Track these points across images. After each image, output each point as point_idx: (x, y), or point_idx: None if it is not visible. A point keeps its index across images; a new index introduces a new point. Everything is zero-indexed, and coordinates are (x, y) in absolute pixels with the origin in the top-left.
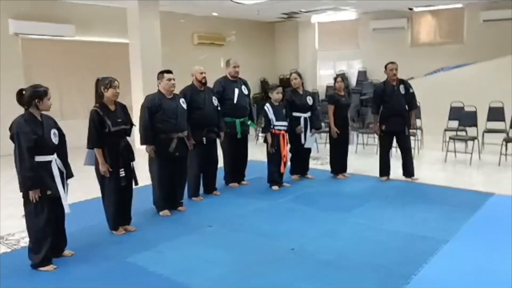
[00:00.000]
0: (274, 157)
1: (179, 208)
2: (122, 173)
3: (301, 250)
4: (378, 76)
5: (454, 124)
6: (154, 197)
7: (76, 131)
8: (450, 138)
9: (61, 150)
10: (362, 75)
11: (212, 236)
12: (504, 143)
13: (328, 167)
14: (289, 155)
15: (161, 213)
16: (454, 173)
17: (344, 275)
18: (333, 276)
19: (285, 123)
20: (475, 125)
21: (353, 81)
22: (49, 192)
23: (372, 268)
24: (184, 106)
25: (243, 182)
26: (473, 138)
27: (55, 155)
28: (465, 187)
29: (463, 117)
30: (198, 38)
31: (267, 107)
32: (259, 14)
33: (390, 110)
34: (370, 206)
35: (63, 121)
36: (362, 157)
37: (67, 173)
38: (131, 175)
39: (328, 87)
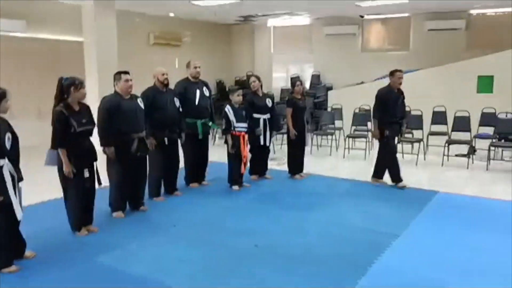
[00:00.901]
0: (234, 158)
1: (141, 208)
2: (86, 173)
3: (267, 246)
4: (331, 79)
5: None
6: (110, 198)
7: (26, 130)
8: (399, 140)
9: (13, 154)
10: (316, 78)
11: (178, 235)
12: (446, 145)
13: (285, 168)
14: (249, 155)
15: (114, 214)
16: (402, 172)
17: (310, 268)
18: (300, 269)
19: (245, 125)
20: (421, 128)
21: (307, 84)
22: (1, 198)
23: (335, 260)
24: (142, 106)
25: (203, 183)
26: (419, 140)
27: (6, 160)
28: (413, 186)
29: (410, 120)
30: (154, 38)
31: (228, 109)
32: (216, 16)
33: (393, 117)
34: (329, 203)
35: (12, 120)
36: (317, 158)
37: (18, 177)
38: (94, 175)
39: (283, 90)
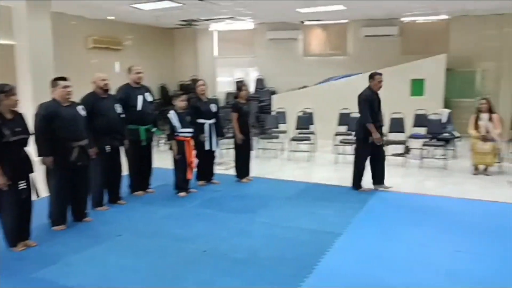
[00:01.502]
0: (180, 164)
1: (85, 219)
2: (22, 185)
3: (214, 251)
4: (275, 83)
5: (343, 129)
6: (49, 210)
7: None
8: (340, 141)
9: None
10: (260, 82)
11: (123, 245)
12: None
13: (232, 172)
14: (196, 161)
15: (55, 228)
16: (344, 173)
17: (256, 271)
18: (247, 272)
19: (190, 130)
20: None
21: (251, 88)
22: None
23: (281, 262)
24: (83, 113)
25: (148, 190)
26: None
27: None
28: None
29: (351, 122)
30: (93, 41)
31: (171, 114)
32: (158, 20)
33: (377, 121)
34: (275, 206)
35: None
36: (263, 161)
37: None
38: (30, 187)
39: (228, 94)
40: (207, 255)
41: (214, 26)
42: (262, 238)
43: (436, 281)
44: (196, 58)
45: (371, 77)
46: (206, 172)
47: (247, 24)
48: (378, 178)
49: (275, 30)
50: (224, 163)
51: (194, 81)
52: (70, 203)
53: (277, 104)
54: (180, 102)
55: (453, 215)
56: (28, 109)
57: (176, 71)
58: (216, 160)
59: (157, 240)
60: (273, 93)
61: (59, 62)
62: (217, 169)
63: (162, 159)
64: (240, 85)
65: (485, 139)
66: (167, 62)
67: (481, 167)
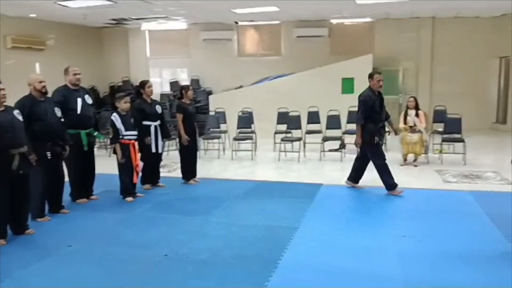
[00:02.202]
0: (125, 168)
1: (27, 232)
2: None
3: (174, 255)
4: (210, 84)
5: (282, 127)
6: None
7: None
8: (281, 139)
9: None
10: (195, 83)
11: (76, 255)
12: (322, 142)
13: (176, 174)
14: (141, 164)
15: None
16: (287, 169)
17: (220, 271)
18: (213, 273)
19: (134, 133)
20: (300, 127)
21: None
22: None
23: (244, 260)
24: (20, 118)
25: (92, 197)
26: (299, 139)
27: None
28: (299, 181)
29: (290, 121)
30: (12, 41)
31: (115, 116)
32: (85, 19)
33: (380, 121)
34: (227, 206)
35: None
36: (206, 162)
37: None
38: None
39: (162, 95)
40: (168, 259)
41: (146, 26)
42: (221, 238)
43: (391, 264)
44: (128, 59)
45: (370, 76)
46: (151, 175)
47: (180, 24)
48: (356, 177)
49: (209, 30)
50: (167, 165)
51: (145, 82)
52: (9, 215)
53: (214, 104)
54: (123, 104)
55: (393, 203)
56: None
57: (106, 72)
58: (162, 163)
59: (111, 248)
60: (209, 93)
61: None
62: (161, 172)
63: (104, 164)
64: (185, 85)
65: (413, 130)
66: (96, 63)
67: (410, 157)
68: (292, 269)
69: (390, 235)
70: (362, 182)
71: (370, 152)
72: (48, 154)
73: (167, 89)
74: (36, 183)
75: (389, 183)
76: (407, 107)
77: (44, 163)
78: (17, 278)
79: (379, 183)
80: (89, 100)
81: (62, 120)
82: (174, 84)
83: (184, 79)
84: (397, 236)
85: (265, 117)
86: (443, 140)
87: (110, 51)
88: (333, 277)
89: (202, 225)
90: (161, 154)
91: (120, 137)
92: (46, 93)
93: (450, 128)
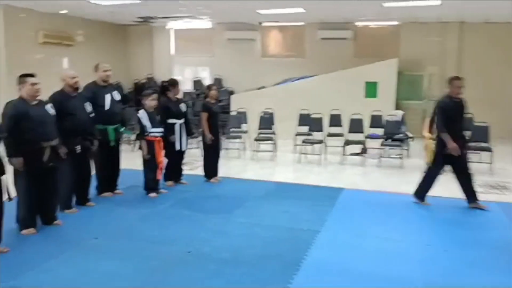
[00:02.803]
0: (150, 164)
1: (55, 222)
2: None
3: (197, 252)
4: (232, 83)
5: (303, 129)
6: (18, 214)
7: None
8: (303, 141)
9: None
10: (218, 82)
11: (102, 248)
12: (344, 145)
13: (198, 172)
14: (165, 161)
15: (24, 231)
16: (308, 172)
17: (244, 270)
18: (236, 272)
19: (160, 130)
20: (321, 130)
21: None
22: None
23: (266, 260)
24: (52, 112)
25: (116, 192)
26: (320, 141)
27: None
28: (320, 184)
29: (312, 123)
30: (43, 36)
31: (141, 114)
32: (113, 16)
33: (456, 131)
34: (249, 206)
35: None
36: (226, 161)
37: None
38: (1, 190)
39: (185, 93)
40: (191, 256)
41: (171, 24)
42: (243, 237)
43: (414, 271)
44: (152, 56)
45: (449, 82)
46: (174, 172)
47: (205, 23)
48: (471, 195)
49: (233, 30)
50: (188, 163)
51: (173, 80)
52: (39, 206)
53: (236, 104)
54: (151, 101)
55: (417, 211)
56: None
57: (130, 69)
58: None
59: (135, 243)
60: (231, 93)
61: (8, 57)
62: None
63: (128, 159)
64: (210, 85)
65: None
66: (120, 59)
67: None
68: (315, 272)
69: (414, 243)
70: (384, 187)
71: (436, 158)
72: (78, 148)
73: (190, 87)
74: (66, 176)
75: (422, 192)
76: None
77: (73, 157)
78: (46, 268)
79: (403, 189)
80: (117, 97)
81: (92, 115)
82: (197, 83)
83: (207, 78)
84: (422, 244)
85: (286, 118)
86: (469, 149)
87: (135, 48)
88: (357, 281)
89: (224, 224)
90: (184, 152)
91: (146, 133)
92: (78, 89)
93: (477, 136)
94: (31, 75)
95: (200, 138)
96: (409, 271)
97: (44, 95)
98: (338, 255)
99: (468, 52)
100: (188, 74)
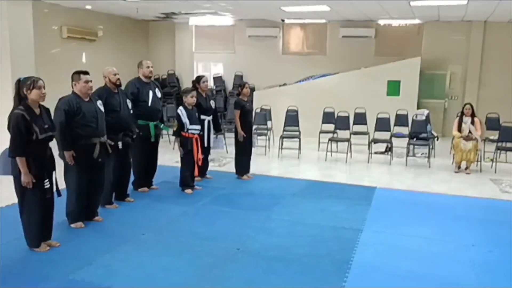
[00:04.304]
0: (187, 161)
1: (95, 218)
2: (47, 184)
3: (246, 249)
4: (253, 80)
5: (327, 127)
6: (67, 207)
7: None
8: (329, 139)
9: None
10: (239, 78)
11: (151, 244)
12: (370, 143)
13: (226, 168)
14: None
15: (73, 225)
16: (335, 170)
17: (296, 268)
18: (289, 270)
19: (198, 127)
20: (348, 128)
21: (230, 84)
22: None
23: (316, 259)
24: (102, 109)
25: (152, 187)
26: (347, 140)
27: None
28: (350, 182)
29: (337, 121)
30: (67, 31)
31: (181, 110)
32: (137, 11)
33: None
34: (286, 203)
35: None
36: (253, 158)
37: None
38: (53, 185)
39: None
40: (241, 253)
41: (192, 21)
42: (287, 235)
43: (464, 272)
44: (173, 52)
45: None
46: (202, 167)
47: (227, 20)
48: None
49: (255, 27)
50: (216, 159)
51: (200, 77)
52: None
53: (257, 101)
54: (190, 98)
55: (453, 211)
56: (6, 102)
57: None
58: (209, 157)
59: (183, 239)
60: (253, 89)
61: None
62: (211, 166)
63: (162, 155)
64: (242, 83)
65: (468, 138)
66: (142, 55)
67: (463, 165)
68: (366, 271)
69: (458, 243)
70: (414, 187)
71: None
72: (120, 144)
73: (211, 83)
74: (109, 171)
75: None
76: (463, 114)
77: (115, 153)
78: (101, 263)
79: (434, 189)
80: (159, 94)
81: (132, 112)
82: (217, 79)
83: (228, 75)
84: (466, 245)
85: (308, 116)
86: (498, 149)
87: (156, 44)
88: (408, 281)
89: (265, 221)
90: (210, 148)
91: (185, 130)
92: (120, 85)
93: (505, 136)
94: (86, 73)
95: (227, 135)
96: (461, 274)
97: (70, 90)
98: (386, 255)
99: (491, 52)
100: (209, 70)
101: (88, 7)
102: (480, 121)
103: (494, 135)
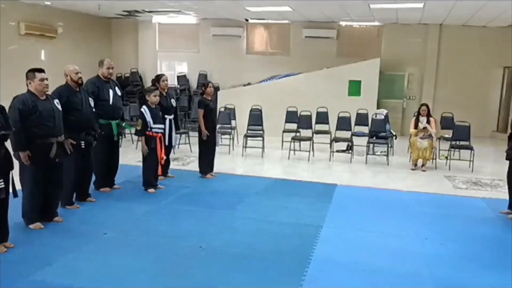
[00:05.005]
0: (150, 160)
1: (55, 219)
2: (1, 184)
3: (209, 247)
4: (218, 79)
5: (290, 126)
6: (23, 208)
7: None
8: (292, 138)
9: None
10: (203, 78)
11: (114, 243)
12: (332, 142)
13: (190, 167)
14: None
15: (32, 226)
16: (298, 168)
17: (258, 264)
18: (252, 266)
19: (162, 126)
20: (310, 127)
21: (194, 84)
22: None
23: (278, 255)
24: (59, 107)
25: (115, 187)
26: (309, 139)
27: None
28: (312, 180)
29: (300, 120)
30: (25, 27)
31: (144, 109)
32: (100, 8)
33: None
34: (250, 201)
35: None
36: (217, 157)
37: None
38: (9, 186)
39: (169, 88)
40: (204, 251)
41: (156, 19)
42: (250, 233)
43: (419, 264)
44: (137, 50)
45: None
46: (164, 166)
47: (191, 19)
48: None
49: (219, 26)
50: (179, 158)
51: (160, 76)
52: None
53: (221, 100)
54: (153, 97)
55: (410, 207)
56: None
57: (114, 63)
58: (172, 156)
59: (146, 238)
60: (217, 89)
61: None
62: (174, 165)
63: (124, 154)
64: (206, 82)
65: (424, 136)
66: (104, 53)
67: (419, 162)
68: (325, 265)
69: (413, 237)
70: (374, 184)
71: None
72: (82, 143)
73: (174, 82)
74: (69, 171)
75: None
76: (419, 114)
77: (77, 152)
78: (62, 263)
79: (392, 185)
80: (119, 92)
81: (94, 110)
82: (182, 78)
83: (192, 74)
84: (420, 238)
85: (272, 115)
86: (452, 147)
87: (119, 42)
88: (366, 275)
89: (229, 220)
90: (172, 146)
91: (148, 129)
92: (82, 84)
93: (459, 135)
94: (41, 70)
95: (191, 134)
96: (414, 265)
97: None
98: (345, 250)
99: (447, 54)
100: (173, 69)
101: (48, 3)
102: (435, 120)
103: (449, 134)
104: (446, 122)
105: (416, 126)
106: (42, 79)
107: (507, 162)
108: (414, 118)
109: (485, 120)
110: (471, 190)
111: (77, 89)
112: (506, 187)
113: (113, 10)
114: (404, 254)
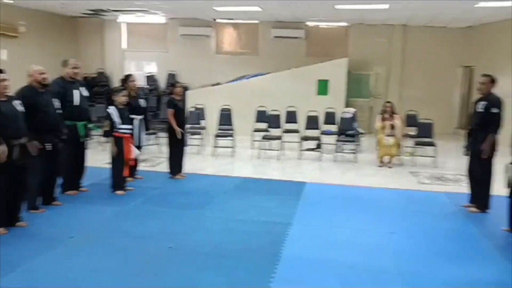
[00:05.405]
0: (118, 161)
1: (18, 223)
2: None
3: (179, 247)
4: (187, 79)
5: (260, 125)
6: None
7: None
8: (262, 137)
9: None
10: (172, 77)
11: (81, 246)
12: (301, 141)
13: (159, 168)
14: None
15: None
16: (268, 167)
17: (229, 263)
18: (223, 264)
19: (130, 126)
20: (279, 126)
21: (162, 83)
22: None
23: (248, 254)
24: (21, 108)
25: (82, 189)
26: (279, 137)
27: None
28: (282, 178)
29: (270, 120)
30: None
31: (111, 110)
32: (63, 7)
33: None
34: (219, 201)
35: None
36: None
37: None
38: None
39: (138, 88)
40: (173, 251)
41: (122, 18)
42: (221, 232)
43: (386, 259)
44: (103, 50)
45: (493, 81)
46: (132, 167)
47: (159, 18)
48: (482, 200)
49: (187, 26)
50: (149, 159)
51: (128, 76)
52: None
53: (191, 100)
54: (121, 98)
55: (376, 202)
56: None
57: (80, 63)
58: (140, 156)
59: (114, 239)
60: (186, 88)
61: None
62: (143, 166)
63: (91, 156)
64: (174, 82)
65: (390, 133)
66: (69, 53)
67: (386, 159)
68: (294, 262)
69: (380, 232)
70: (342, 181)
71: (487, 164)
72: (48, 145)
73: (143, 82)
74: (34, 174)
75: (487, 202)
76: (384, 111)
77: (43, 155)
78: (27, 268)
79: (359, 182)
80: (85, 93)
81: (60, 111)
82: (150, 78)
83: (160, 74)
84: (386, 233)
85: (242, 115)
86: (416, 144)
87: (85, 41)
88: (335, 270)
89: (199, 219)
90: (141, 147)
91: (116, 130)
92: (47, 85)
93: (422, 132)
94: (0, 71)
95: (159, 134)
96: (384, 261)
97: None
98: (314, 247)
99: (411, 54)
100: (140, 69)
101: (9, 1)
102: (401, 117)
103: (413, 131)
104: (411, 120)
105: (382, 123)
106: (1, 80)
107: (467, 157)
108: (380, 115)
109: (448, 118)
110: (435, 185)
111: (42, 90)
112: (467, 181)
113: (77, 8)
114: (373, 248)
